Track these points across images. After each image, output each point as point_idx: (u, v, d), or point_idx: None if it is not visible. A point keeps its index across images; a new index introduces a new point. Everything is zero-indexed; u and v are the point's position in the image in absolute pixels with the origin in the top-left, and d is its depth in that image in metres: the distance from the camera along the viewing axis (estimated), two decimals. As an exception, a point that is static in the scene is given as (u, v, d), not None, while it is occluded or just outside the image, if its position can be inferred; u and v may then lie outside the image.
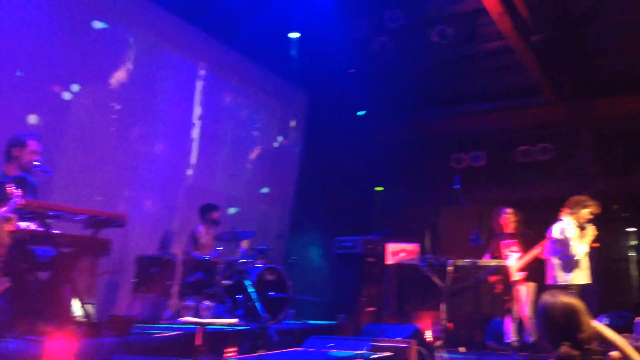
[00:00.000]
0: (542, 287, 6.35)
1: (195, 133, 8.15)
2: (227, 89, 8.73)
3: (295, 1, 8.31)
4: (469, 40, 8.83)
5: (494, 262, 6.76)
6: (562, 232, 5.96)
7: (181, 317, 6.00)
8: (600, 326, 2.91)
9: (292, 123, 10.15)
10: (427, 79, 10.14)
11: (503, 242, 7.12)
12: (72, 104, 6.47)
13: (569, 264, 5.90)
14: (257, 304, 6.26)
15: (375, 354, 5.10)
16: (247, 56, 8.85)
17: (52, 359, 3.85)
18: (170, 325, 5.85)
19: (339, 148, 10.39)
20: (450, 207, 10.79)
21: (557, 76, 8.96)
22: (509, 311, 6.82)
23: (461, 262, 6.51)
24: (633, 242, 10.40)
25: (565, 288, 5.70)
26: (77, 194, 6.33)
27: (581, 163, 9.84)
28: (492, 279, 6.57)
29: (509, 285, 6.82)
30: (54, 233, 4.71)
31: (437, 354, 6.13)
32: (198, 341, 4.79)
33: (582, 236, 5.93)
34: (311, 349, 5.52)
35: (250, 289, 6.41)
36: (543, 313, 2.78)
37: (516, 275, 6.84)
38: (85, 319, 4.71)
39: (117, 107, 6.97)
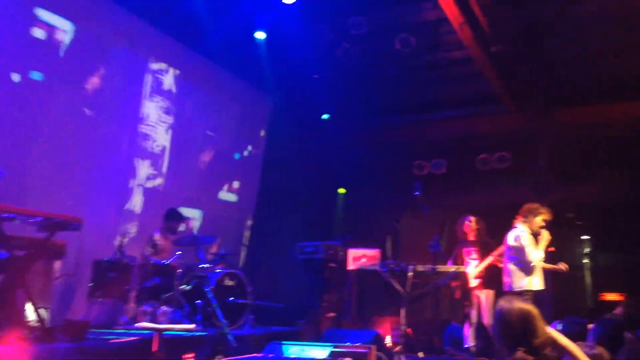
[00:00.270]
0: (501, 294, 6.46)
1: (156, 136, 8.03)
2: (191, 92, 8.63)
3: (260, 5, 8.28)
4: (432, 49, 8.94)
5: (452, 268, 6.87)
6: (516, 239, 6.09)
7: (138, 322, 5.88)
8: (553, 332, 2.97)
9: (262, 132, 10.10)
10: (390, 86, 10.23)
11: (464, 249, 7.24)
12: (30, 103, 6.31)
13: (524, 270, 6.02)
14: (216, 310, 6.19)
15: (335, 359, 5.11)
16: (210, 59, 8.78)
17: (3, 365, 3.74)
18: (127, 331, 5.73)
19: (302, 153, 10.39)
20: (411, 213, 10.89)
21: (515, 86, 9.15)
22: (467, 317, 6.93)
23: (421, 267, 6.59)
24: (587, 250, 10.67)
25: (521, 294, 5.82)
26: (34, 196, 6.17)
27: (538, 171, 10.06)
28: (452, 284, 6.66)
29: (467, 292, 6.93)
30: (7, 235, 4.57)
31: (396, 359, 6.18)
32: (155, 347, 4.72)
33: (536, 242, 6.07)
34: (271, 355, 5.48)
35: (210, 295, 6.35)
36: (499, 319, 2.82)
37: (473, 282, 6.96)
38: (39, 324, 4.60)
39: (87, 111, 6.84)
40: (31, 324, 4.61)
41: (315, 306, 8.35)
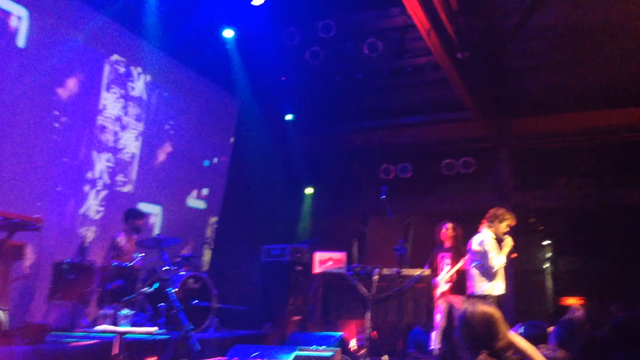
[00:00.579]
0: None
1: (120, 137, 7.90)
2: (156, 91, 8.51)
3: (229, 6, 8.24)
4: (399, 54, 9.03)
5: (417, 272, 6.91)
6: (481, 244, 6.17)
7: (99, 325, 5.77)
8: (514, 335, 3.02)
9: (231, 139, 10.00)
10: (357, 90, 10.30)
11: (440, 254, 7.33)
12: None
13: (487, 275, 6.11)
14: (180, 312, 6.11)
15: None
16: (175, 58, 8.67)
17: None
18: (87, 334, 5.61)
19: (269, 155, 10.36)
20: (377, 216, 10.98)
21: (479, 93, 9.31)
22: (431, 320, 6.99)
23: (386, 271, 6.62)
24: (548, 254, 10.91)
25: (484, 298, 5.91)
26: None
27: (500, 177, 10.24)
28: (418, 287, 6.71)
29: (431, 295, 7.00)
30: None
31: (360, 363, 6.20)
32: (115, 350, 4.64)
33: (500, 248, 6.16)
34: (235, 358, 5.44)
35: (173, 297, 6.26)
36: (462, 321, 2.85)
37: (444, 287, 7.04)
38: (-4, 327, 4.46)
39: (57, 114, 6.67)
40: (-12, 326, 4.48)
41: (281, 309, 8.32)
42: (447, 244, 7.31)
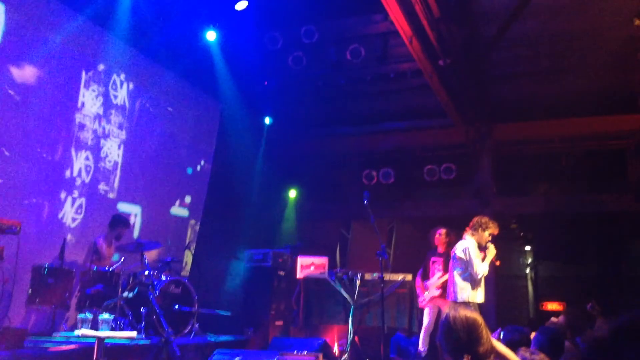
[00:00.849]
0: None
1: (109, 151, 7.82)
2: (139, 95, 8.45)
3: (212, 11, 8.22)
4: (381, 61, 9.07)
5: (400, 277, 6.94)
6: (464, 251, 6.20)
7: (78, 329, 5.71)
8: (494, 341, 3.04)
9: (211, 142, 9.93)
10: (340, 95, 10.34)
11: (432, 259, 7.37)
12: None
13: (469, 282, 6.14)
14: (160, 317, 6.06)
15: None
16: (158, 62, 8.62)
17: None
18: (67, 339, 5.55)
19: (252, 160, 10.34)
20: (360, 221, 11.00)
21: (460, 100, 9.39)
22: (413, 326, 7.02)
23: (369, 276, 6.64)
24: (528, 260, 11.01)
25: (466, 305, 5.93)
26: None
27: (481, 183, 10.32)
28: (400, 292, 6.74)
29: (414, 300, 7.03)
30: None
31: (342, 367, 6.20)
32: (95, 355, 4.59)
33: (483, 256, 6.20)
34: (216, 363, 5.42)
35: (153, 302, 6.21)
36: (445, 326, 2.86)
37: (434, 292, 7.07)
38: (-27, 332, 4.39)
39: (25, 108, 6.57)
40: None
41: (263, 314, 8.29)
42: (440, 249, 7.37)
